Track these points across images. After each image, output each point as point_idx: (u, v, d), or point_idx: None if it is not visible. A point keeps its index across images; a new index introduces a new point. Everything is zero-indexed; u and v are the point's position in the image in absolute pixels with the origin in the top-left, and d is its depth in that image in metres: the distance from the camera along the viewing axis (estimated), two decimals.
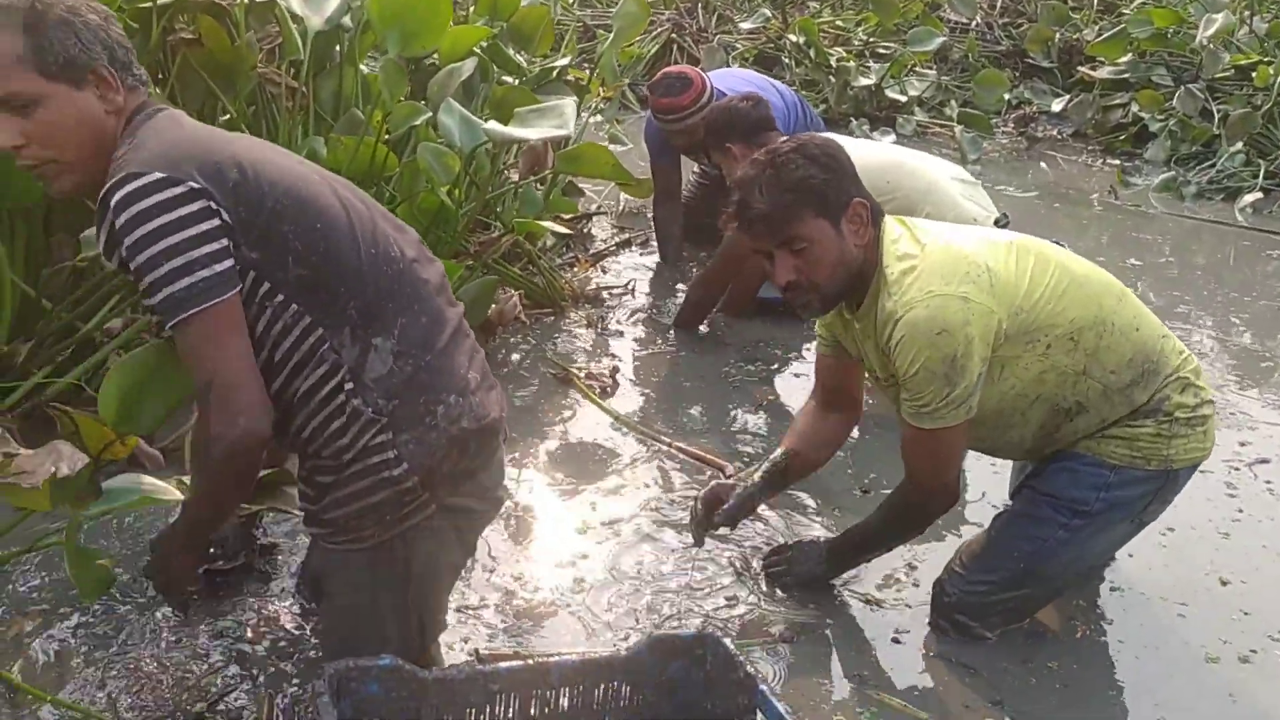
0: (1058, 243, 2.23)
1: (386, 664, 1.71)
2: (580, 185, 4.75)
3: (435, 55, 3.52)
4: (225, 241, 1.49)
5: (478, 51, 3.68)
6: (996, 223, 3.19)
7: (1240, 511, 2.77)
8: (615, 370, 3.37)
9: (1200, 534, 2.64)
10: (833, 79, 6.58)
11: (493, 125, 2.83)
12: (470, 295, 3.26)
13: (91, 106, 1.54)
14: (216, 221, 1.48)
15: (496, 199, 3.69)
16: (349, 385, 1.60)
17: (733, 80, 4.06)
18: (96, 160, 1.55)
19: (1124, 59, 6.65)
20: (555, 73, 4.10)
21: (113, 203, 1.47)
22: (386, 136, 3.20)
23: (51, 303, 2.78)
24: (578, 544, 2.50)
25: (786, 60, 6.99)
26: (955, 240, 2.04)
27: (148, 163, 1.48)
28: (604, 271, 4.24)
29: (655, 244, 4.38)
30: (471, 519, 1.79)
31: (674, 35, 7.15)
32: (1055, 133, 6.77)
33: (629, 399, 3.28)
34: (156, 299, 1.47)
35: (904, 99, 6.65)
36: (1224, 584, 2.46)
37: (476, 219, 3.62)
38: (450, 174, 3.05)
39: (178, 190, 1.46)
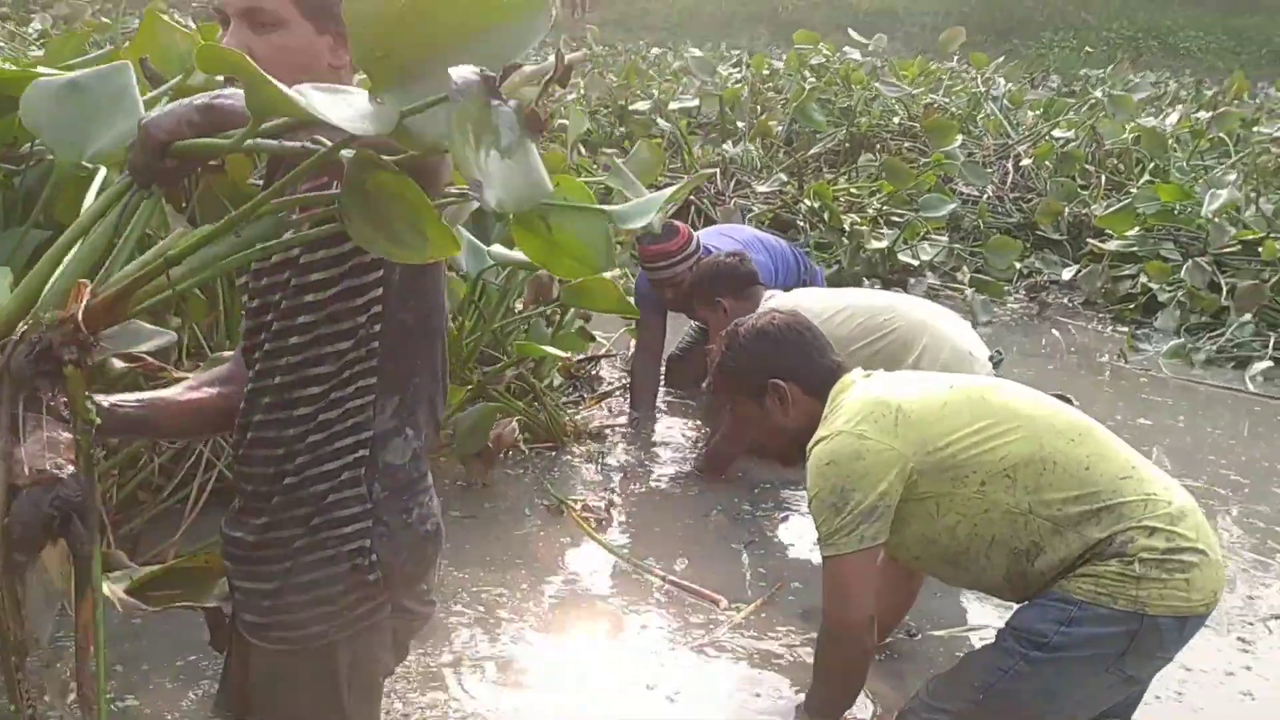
0: (1065, 398, 2.31)
1: None
2: (591, 331, 4.81)
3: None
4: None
5: None
6: (991, 359, 3.25)
7: (1249, 669, 2.66)
8: (611, 504, 3.34)
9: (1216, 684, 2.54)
10: (846, 241, 6.72)
11: (497, 248, 2.89)
12: (470, 421, 3.28)
13: (321, 53, 1.51)
14: None
15: (504, 331, 3.74)
16: (362, 452, 1.51)
17: (718, 238, 4.18)
18: None
19: (1132, 232, 6.77)
20: None
21: None
22: None
23: None
24: (570, 682, 2.42)
25: (801, 223, 7.17)
26: (879, 386, 2.23)
27: None
28: (609, 411, 4.25)
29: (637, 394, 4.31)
30: (408, 622, 1.69)
31: (692, 197, 7.36)
32: (1066, 300, 6.84)
33: (625, 533, 3.23)
34: None
35: (916, 263, 6.78)
36: None
37: (484, 350, 3.67)
38: (455, 299, 3.10)
39: None
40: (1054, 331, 6.31)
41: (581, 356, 4.56)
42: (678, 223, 4.07)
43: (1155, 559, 2.01)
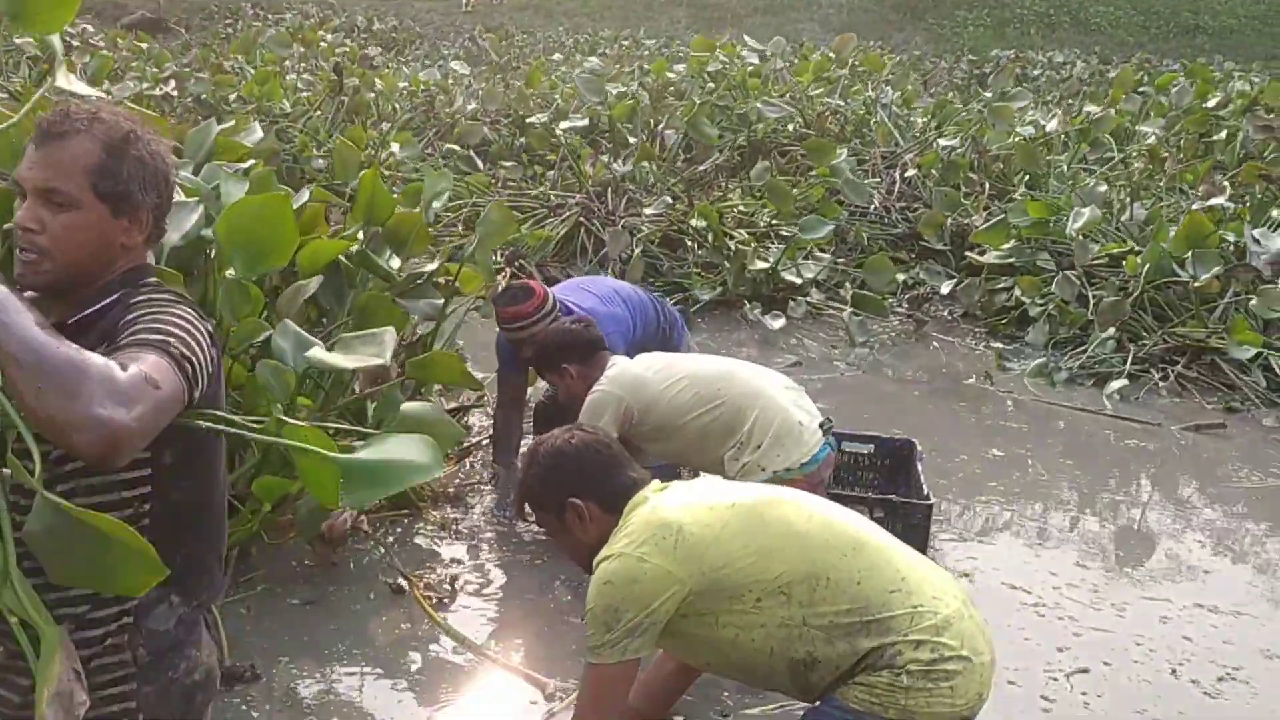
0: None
1: None
2: (471, 373, 4.83)
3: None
4: None
5: (344, 260, 3.84)
6: (821, 426, 3.36)
7: None
8: (454, 579, 3.41)
9: None
10: (728, 263, 6.82)
11: (314, 352, 2.92)
12: (309, 505, 3.32)
13: (113, 234, 1.59)
14: None
15: (355, 405, 3.77)
16: (126, 620, 1.59)
17: (577, 293, 4.23)
18: (81, 272, 1.58)
19: (1007, 245, 6.95)
20: (424, 277, 4.24)
21: None
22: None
23: None
24: None
25: (689, 243, 7.25)
26: (668, 505, 2.30)
27: None
28: (471, 466, 4.31)
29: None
30: None
31: (582, 219, 7.42)
32: (946, 314, 7.00)
33: (465, 610, 3.30)
34: None
35: (799, 281, 6.90)
36: None
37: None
38: (287, 390, 3.13)
39: None
40: (933, 344, 6.48)
41: (452, 406, 4.62)
42: (533, 283, 4.12)
43: (921, 670, 2.15)
